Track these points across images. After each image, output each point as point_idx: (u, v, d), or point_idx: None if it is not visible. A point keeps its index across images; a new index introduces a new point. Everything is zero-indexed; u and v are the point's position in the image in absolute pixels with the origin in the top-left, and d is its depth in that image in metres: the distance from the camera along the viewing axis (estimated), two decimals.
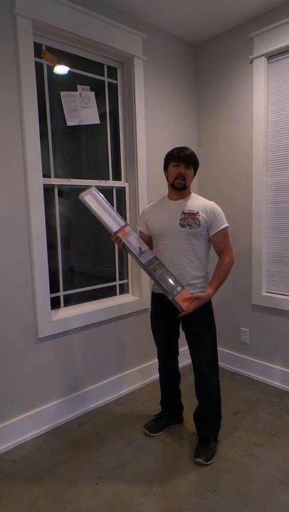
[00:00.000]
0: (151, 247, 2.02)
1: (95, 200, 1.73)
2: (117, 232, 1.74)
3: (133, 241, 1.76)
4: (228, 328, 2.88)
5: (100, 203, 1.74)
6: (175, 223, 1.86)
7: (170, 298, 1.77)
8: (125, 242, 1.74)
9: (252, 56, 2.52)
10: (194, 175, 1.93)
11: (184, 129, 2.87)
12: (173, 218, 1.87)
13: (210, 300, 1.92)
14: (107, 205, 1.75)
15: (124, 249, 1.83)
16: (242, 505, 1.61)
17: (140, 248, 1.76)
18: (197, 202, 1.90)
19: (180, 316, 1.82)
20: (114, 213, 1.76)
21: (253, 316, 2.76)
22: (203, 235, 1.87)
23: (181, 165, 1.85)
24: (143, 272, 2.59)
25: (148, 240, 2.03)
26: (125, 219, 2.62)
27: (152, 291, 2.04)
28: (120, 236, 1.74)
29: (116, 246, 2.59)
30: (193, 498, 1.66)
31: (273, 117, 2.51)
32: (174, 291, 1.77)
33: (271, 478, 1.77)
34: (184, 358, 2.47)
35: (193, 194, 1.95)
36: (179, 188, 1.88)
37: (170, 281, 1.77)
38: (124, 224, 1.76)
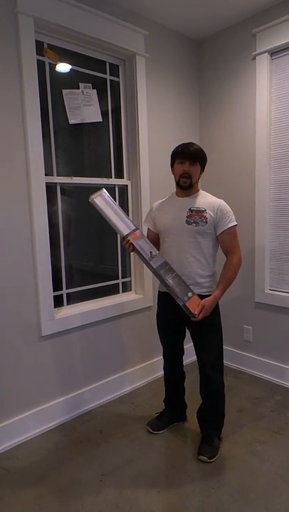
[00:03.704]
0: (158, 244, 2.00)
1: (105, 203, 1.70)
2: (127, 235, 1.71)
3: (144, 245, 1.73)
4: (231, 325, 2.88)
5: (110, 205, 1.71)
6: (181, 220, 1.84)
7: (181, 304, 1.74)
8: (136, 246, 1.71)
9: (255, 53, 2.50)
10: (202, 171, 1.88)
11: (186, 127, 2.86)
12: (179, 215, 1.85)
13: (217, 302, 1.91)
14: (117, 207, 1.72)
15: (134, 253, 1.79)
16: (245, 502, 1.61)
17: (151, 252, 1.73)
18: (205, 199, 1.87)
19: (193, 320, 1.78)
20: (125, 216, 1.73)
21: (256, 313, 2.75)
22: (210, 234, 1.84)
23: (186, 162, 1.81)
24: (146, 270, 2.59)
25: (155, 238, 2.01)
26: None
27: (159, 290, 2.03)
28: (131, 239, 1.71)
29: (119, 244, 2.60)
30: (197, 496, 1.66)
31: (276, 114, 2.49)
32: (185, 296, 1.74)
33: (274, 475, 1.77)
34: (189, 356, 2.47)
35: (201, 191, 1.91)
36: (184, 187, 1.85)
37: (181, 286, 1.75)
38: (134, 228, 1.73)
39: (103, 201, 1.71)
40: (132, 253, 1.81)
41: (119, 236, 1.76)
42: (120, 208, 1.74)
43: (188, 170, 1.81)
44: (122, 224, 1.71)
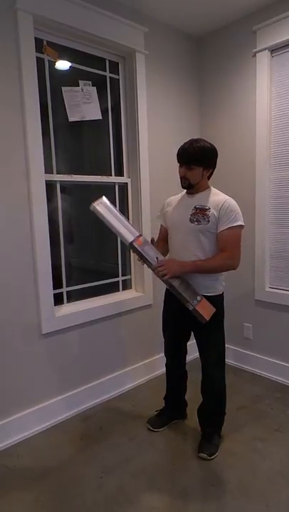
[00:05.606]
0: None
1: (107, 210, 1.67)
2: (132, 241, 1.67)
3: (149, 251, 1.71)
4: (231, 323, 2.87)
5: (112, 212, 1.68)
6: (185, 218, 1.81)
7: (191, 308, 1.70)
8: (142, 253, 1.68)
9: (255, 50, 2.49)
10: (209, 168, 1.81)
11: (186, 124, 2.85)
12: (184, 213, 1.83)
13: (222, 302, 1.89)
14: (119, 214, 1.69)
15: (141, 262, 1.75)
16: (245, 499, 1.62)
17: (157, 258, 1.70)
18: (212, 197, 1.81)
19: (203, 323, 1.74)
20: (127, 223, 1.70)
21: (256, 311, 2.76)
22: (213, 233, 1.77)
23: (182, 166, 1.79)
24: (146, 268, 2.59)
25: (167, 233, 1.99)
26: (128, 215, 2.61)
27: (166, 289, 1.98)
28: (136, 246, 1.68)
29: (118, 242, 2.60)
30: (197, 493, 1.67)
31: (276, 111, 2.48)
32: (194, 300, 1.71)
33: (274, 472, 1.77)
34: (190, 353, 2.47)
35: (211, 188, 1.86)
36: (184, 187, 1.85)
37: (189, 291, 1.72)
38: (138, 234, 1.71)
39: (105, 208, 1.67)
40: (145, 264, 1.76)
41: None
42: (122, 214, 1.71)
43: (185, 174, 1.79)
44: (126, 231, 1.67)
